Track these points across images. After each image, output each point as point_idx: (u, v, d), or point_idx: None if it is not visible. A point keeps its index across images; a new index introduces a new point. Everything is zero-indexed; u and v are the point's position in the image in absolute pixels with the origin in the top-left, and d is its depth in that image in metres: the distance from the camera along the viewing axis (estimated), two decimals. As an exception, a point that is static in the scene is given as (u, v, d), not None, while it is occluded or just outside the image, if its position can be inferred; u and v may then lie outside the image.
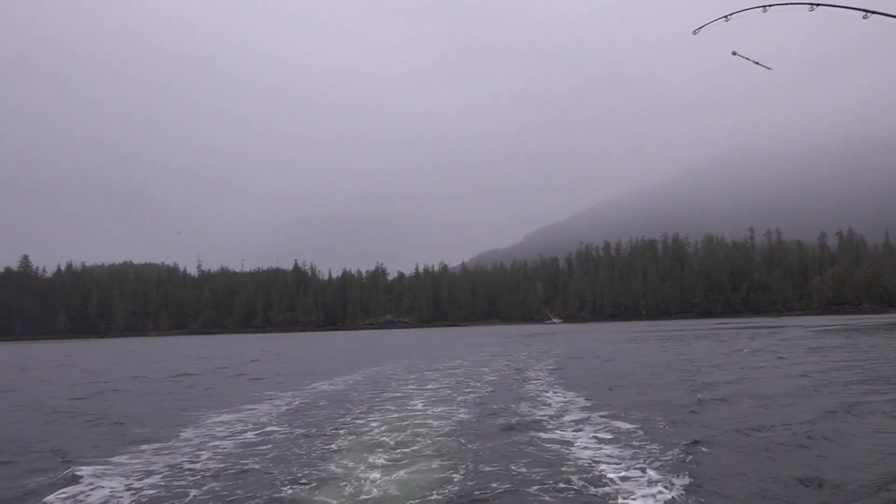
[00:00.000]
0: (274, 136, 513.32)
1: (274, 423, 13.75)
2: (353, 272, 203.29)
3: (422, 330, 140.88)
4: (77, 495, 8.15)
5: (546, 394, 17.41)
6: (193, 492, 8.24)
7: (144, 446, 11.28)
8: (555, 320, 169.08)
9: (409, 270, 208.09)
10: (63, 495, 8.16)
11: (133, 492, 8.28)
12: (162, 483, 8.71)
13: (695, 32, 10.79)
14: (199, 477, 9.02)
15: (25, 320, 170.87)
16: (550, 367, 26.65)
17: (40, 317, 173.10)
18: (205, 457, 10.38)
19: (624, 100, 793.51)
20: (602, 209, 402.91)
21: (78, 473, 9.11)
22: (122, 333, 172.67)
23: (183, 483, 8.68)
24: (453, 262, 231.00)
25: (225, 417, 14.49)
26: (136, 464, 9.94)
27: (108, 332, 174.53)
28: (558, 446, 10.47)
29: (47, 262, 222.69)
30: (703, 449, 9.76)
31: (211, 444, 11.48)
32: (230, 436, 12.20)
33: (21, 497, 8.16)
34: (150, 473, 9.22)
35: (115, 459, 10.25)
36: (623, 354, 34.54)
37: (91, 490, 8.36)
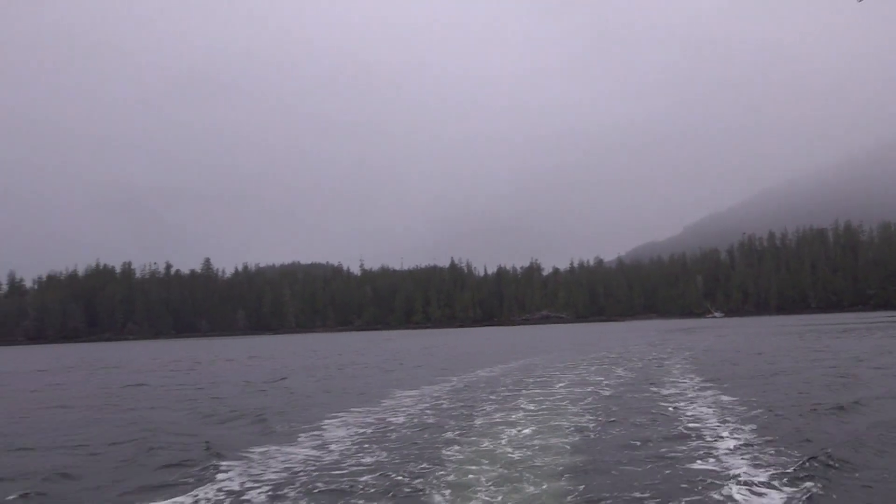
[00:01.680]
0: (426, 139, 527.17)
1: (444, 397, 17.53)
2: (507, 268, 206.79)
3: (577, 325, 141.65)
4: (327, 428, 12.78)
5: (679, 379, 19.61)
6: (392, 436, 11.91)
7: (363, 408, 15.83)
8: (716, 314, 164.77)
9: (563, 265, 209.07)
10: (317, 427, 12.65)
11: (356, 432, 12.39)
12: (373, 429, 12.73)
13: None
14: (392, 428, 12.80)
15: (210, 318, 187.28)
16: (693, 358, 28.33)
17: (222, 315, 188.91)
18: (401, 415, 14.47)
19: (784, 81, 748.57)
20: (766, 198, 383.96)
21: (328, 417, 13.83)
22: (293, 330, 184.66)
23: (380, 434, 12.34)
24: (609, 256, 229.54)
25: (411, 392, 18.80)
26: (358, 414, 14.61)
27: (281, 328, 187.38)
28: (680, 423, 12.71)
29: (226, 263, 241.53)
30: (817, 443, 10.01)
31: (401, 408, 15.54)
32: (414, 404, 16.17)
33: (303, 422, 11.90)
34: (366, 423, 13.37)
35: (340, 414, 14.80)
36: (775, 349, 34.42)
37: (337, 427, 13.03)
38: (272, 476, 8.91)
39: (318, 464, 9.68)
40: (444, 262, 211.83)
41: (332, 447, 10.90)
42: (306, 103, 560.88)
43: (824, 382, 18.01)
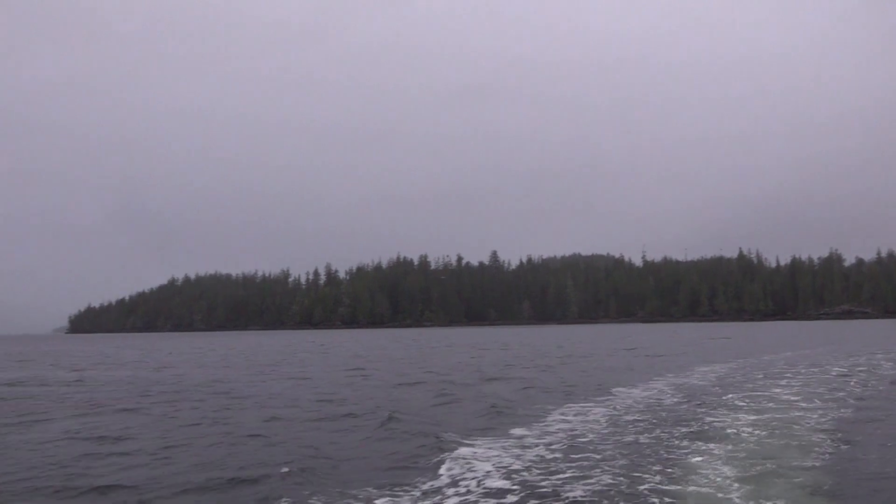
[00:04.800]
0: (709, 122, 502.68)
1: (729, 371, 21.99)
2: (802, 258, 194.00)
3: (885, 321, 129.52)
4: (656, 383, 17.48)
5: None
6: (688, 390, 16.49)
7: (674, 375, 21.00)
8: None
9: (869, 255, 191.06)
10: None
11: (669, 388, 17.35)
12: (679, 386, 17.50)
13: None
14: (688, 386, 17.51)
15: (497, 308, 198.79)
16: None
17: (508, 305, 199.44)
18: (702, 380, 19.22)
19: None
20: None
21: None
22: (576, 321, 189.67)
23: (685, 388, 17.07)
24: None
25: (704, 368, 23.54)
26: (671, 378, 20.00)
27: (564, 319, 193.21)
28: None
29: (511, 256, 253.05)
30: None
31: (699, 376, 20.40)
32: (707, 375, 20.93)
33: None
34: (676, 384, 18.20)
35: (660, 378, 19.72)
36: None
37: (658, 385, 17.80)
38: (603, 414, 13.82)
39: (642, 404, 15.04)
40: (730, 252, 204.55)
41: (656, 394, 16.38)
42: (575, 98, 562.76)
43: None
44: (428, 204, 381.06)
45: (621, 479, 8.07)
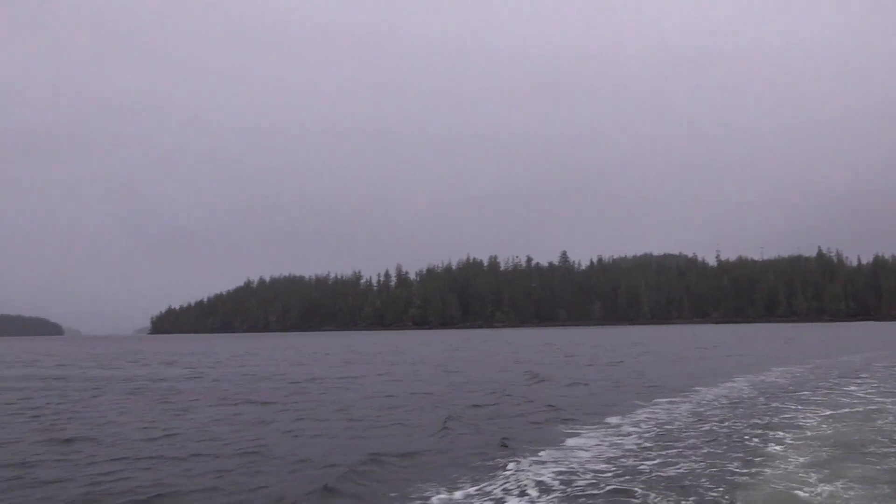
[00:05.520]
0: (783, 117, 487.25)
1: (800, 372, 22.72)
2: (885, 257, 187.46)
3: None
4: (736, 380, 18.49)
5: None
6: (770, 386, 17.11)
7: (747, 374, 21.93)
8: None
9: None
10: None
11: (757, 382, 18.70)
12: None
13: None
14: (769, 382, 18.45)
15: (568, 309, 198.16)
16: None
17: (579, 305, 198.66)
18: (784, 377, 20.01)
19: None
20: None
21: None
22: (649, 321, 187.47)
23: (766, 382, 17.72)
24: None
25: (779, 368, 24.33)
26: (764, 374, 21.32)
27: (636, 319, 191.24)
28: None
29: (581, 256, 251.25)
30: None
31: (778, 374, 20.90)
32: (783, 375, 21.61)
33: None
34: (756, 381, 19.05)
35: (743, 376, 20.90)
36: None
37: (741, 380, 19.03)
38: (687, 409, 14.97)
39: (722, 399, 16.13)
40: (809, 251, 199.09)
41: (735, 391, 17.50)
42: (641, 97, 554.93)
43: None
44: (497, 205, 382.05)
45: (703, 464, 9.16)
